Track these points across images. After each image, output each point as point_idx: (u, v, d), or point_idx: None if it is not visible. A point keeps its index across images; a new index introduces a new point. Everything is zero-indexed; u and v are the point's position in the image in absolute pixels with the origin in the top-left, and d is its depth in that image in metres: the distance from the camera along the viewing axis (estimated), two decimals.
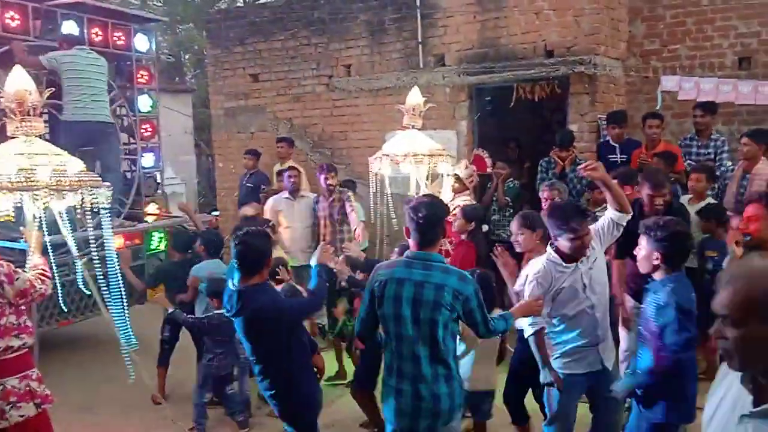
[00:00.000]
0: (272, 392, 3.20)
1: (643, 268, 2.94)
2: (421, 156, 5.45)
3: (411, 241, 2.90)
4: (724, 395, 1.52)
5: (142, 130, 6.86)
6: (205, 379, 4.37)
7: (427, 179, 5.47)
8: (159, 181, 7.25)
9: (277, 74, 8.43)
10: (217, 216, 9.33)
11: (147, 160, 6.94)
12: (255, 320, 3.09)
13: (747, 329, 1.35)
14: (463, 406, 3.36)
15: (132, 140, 6.82)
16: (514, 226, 3.78)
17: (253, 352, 3.17)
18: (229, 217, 8.45)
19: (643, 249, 2.90)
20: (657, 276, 2.87)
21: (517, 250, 3.79)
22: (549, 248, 3.24)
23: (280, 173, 6.66)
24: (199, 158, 16.02)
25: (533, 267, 3.32)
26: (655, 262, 2.85)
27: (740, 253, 2.99)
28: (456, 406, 2.84)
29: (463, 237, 4.89)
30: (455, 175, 5.58)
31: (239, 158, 8.01)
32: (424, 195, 4.64)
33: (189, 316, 4.42)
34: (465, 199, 5.50)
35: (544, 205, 5.01)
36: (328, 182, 6.16)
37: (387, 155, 5.51)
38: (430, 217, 2.81)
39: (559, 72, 6.58)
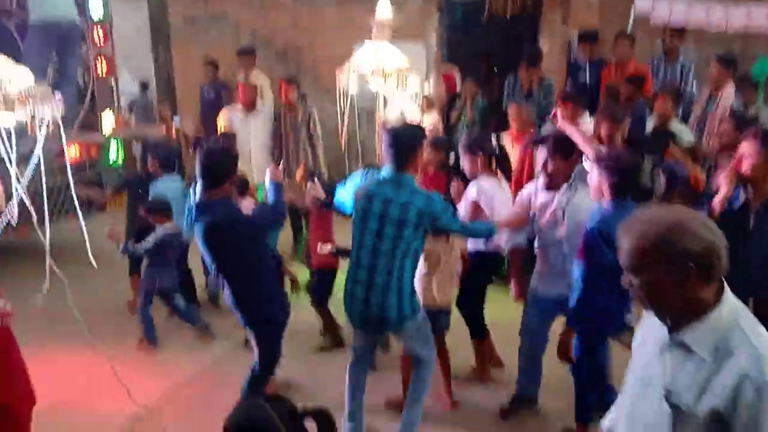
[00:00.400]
0: (235, 303, 3.25)
1: (594, 196, 3.00)
2: (389, 72, 5.35)
3: (387, 164, 3.01)
4: (652, 323, 1.64)
5: (95, 36, 6.48)
6: (147, 294, 4.47)
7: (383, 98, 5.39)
8: (114, 88, 6.93)
9: None
10: (177, 127, 9.06)
11: (100, 67, 6.59)
12: (214, 231, 3.09)
13: (645, 276, 1.49)
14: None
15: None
16: (459, 149, 3.82)
17: (214, 263, 3.19)
18: (190, 129, 8.20)
19: (594, 179, 2.98)
20: (603, 204, 2.93)
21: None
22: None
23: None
24: (156, 64, 15.36)
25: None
26: (604, 191, 2.92)
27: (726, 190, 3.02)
28: (404, 316, 3.03)
29: (431, 169, 4.80)
30: (424, 94, 5.48)
31: (200, 68, 7.69)
32: (402, 120, 4.60)
33: (138, 244, 4.42)
34: (433, 119, 5.44)
35: (512, 122, 4.97)
36: (289, 96, 6.01)
37: (355, 71, 5.39)
38: (407, 141, 2.97)
39: None
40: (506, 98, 6.08)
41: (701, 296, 1.47)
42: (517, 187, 4.62)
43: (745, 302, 1.54)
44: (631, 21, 6.04)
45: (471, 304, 3.83)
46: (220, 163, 3.14)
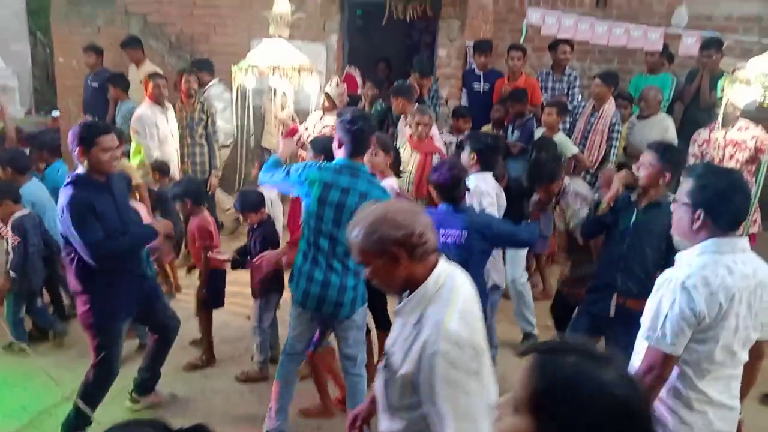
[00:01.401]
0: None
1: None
2: (288, 69, 5.25)
3: (340, 151, 3.09)
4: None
5: None
6: (17, 298, 4.28)
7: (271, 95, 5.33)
8: None
9: None
10: (55, 117, 8.45)
11: None
12: None
13: (369, 266, 1.77)
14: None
15: None
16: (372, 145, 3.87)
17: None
18: (71, 118, 7.63)
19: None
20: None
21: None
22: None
23: (152, 78, 5.71)
24: (35, 48, 14.19)
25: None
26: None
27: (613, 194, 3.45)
28: (359, 298, 3.15)
29: None
30: (326, 93, 5.43)
31: (82, 53, 7.19)
32: (356, 108, 4.58)
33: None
34: (333, 119, 5.39)
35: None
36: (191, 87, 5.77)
37: (254, 66, 5.24)
38: (364, 128, 3.05)
39: None
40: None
41: (416, 273, 1.73)
42: (418, 190, 4.75)
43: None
44: (523, 32, 6.30)
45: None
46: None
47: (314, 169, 3.10)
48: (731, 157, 4.84)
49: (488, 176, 3.83)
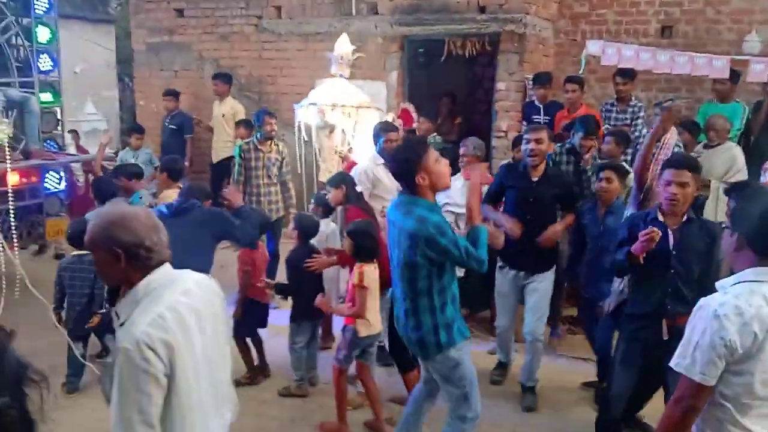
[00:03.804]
0: None
1: None
2: (348, 107, 5.43)
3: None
4: None
5: (39, 63, 6.43)
6: None
7: (331, 132, 5.47)
8: (59, 117, 6.87)
9: (204, 11, 8.06)
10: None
11: (46, 95, 6.55)
12: None
13: (95, 255, 1.90)
14: (358, 351, 3.65)
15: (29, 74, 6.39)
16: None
17: None
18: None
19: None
20: None
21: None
22: None
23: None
24: (123, 94, 15.25)
25: None
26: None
27: None
28: (428, 345, 2.92)
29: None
30: None
31: (162, 97, 7.71)
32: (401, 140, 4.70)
33: None
34: None
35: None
36: (273, 129, 5.84)
37: (314, 104, 5.46)
38: (398, 160, 2.92)
39: (489, 29, 6.60)
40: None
41: (133, 277, 1.86)
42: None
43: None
44: (583, 64, 6.25)
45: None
46: None
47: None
48: None
49: None
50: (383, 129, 4.96)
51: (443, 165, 2.90)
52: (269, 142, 5.83)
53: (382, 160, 4.73)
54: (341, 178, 4.32)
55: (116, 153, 10.50)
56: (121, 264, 1.83)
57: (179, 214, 3.40)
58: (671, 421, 2.00)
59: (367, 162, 4.97)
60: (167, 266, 1.92)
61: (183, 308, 1.87)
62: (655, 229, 3.00)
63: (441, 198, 3.66)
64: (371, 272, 3.55)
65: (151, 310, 1.81)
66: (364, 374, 3.78)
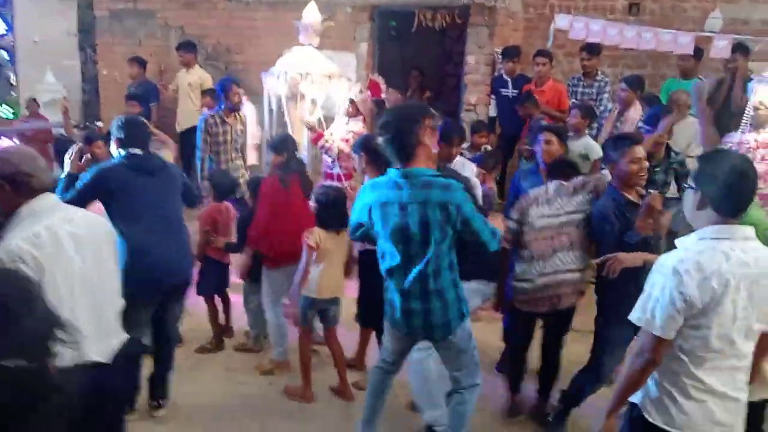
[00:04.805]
0: None
1: None
2: (318, 76, 5.37)
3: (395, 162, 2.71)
4: None
5: None
6: None
7: (299, 102, 5.38)
8: (13, 82, 6.67)
9: None
10: (100, 126, 8.79)
11: None
12: None
13: None
14: (313, 312, 3.68)
15: None
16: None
17: None
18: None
19: None
20: None
21: None
22: None
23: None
24: (86, 64, 14.79)
25: None
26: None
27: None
28: (448, 322, 2.76)
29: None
30: (350, 99, 5.52)
31: (125, 65, 7.52)
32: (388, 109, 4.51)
33: None
34: (359, 125, 5.49)
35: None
36: (240, 99, 5.71)
37: (284, 72, 5.37)
38: (401, 127, 2.63)
39: (459, 1, 6.59)
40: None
41: (19, 204, 2.12)
42: None
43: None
44: (550, 38, 6.29)
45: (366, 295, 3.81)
46: None
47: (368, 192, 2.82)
48: (763, 159, 4.73)
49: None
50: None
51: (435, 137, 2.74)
52: (234, 114, 5.72)
53: None
54: (283, 143, 4.19)
55: (77, 125, 10.27)
56: (7, 192, 2.10)
57: (154, 172, 3.31)
58: (630, 374, 2.08)
59: None
60: (50, 195, 2.20)
61: (62, 232, 2.11)
62: (653, 192, 3.02)
63: None
64: (325, 237, 3.58)
65: (28, 228, 2.06)
66: (327, 337, 3.83)
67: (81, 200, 3.06)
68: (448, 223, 2.60)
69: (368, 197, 2.77)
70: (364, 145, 3.65)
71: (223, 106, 5.67)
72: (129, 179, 3.19)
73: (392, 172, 2.69)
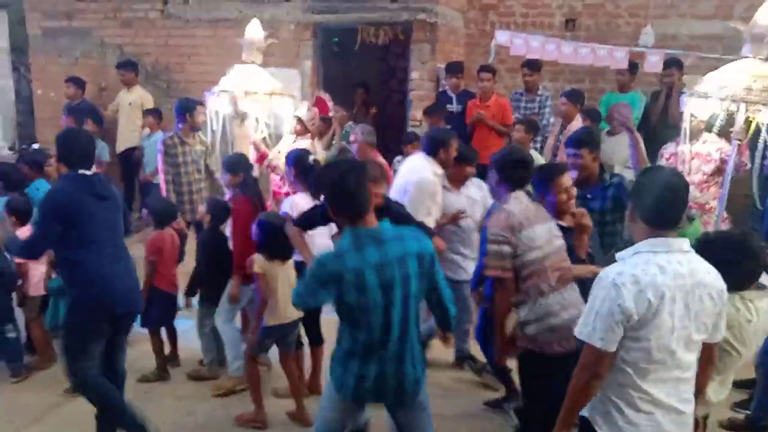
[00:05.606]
0: None
1: None
2: (261, 94, 5.30)
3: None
4: None
5: None
6: None
7: (243, 120, 5.31)
8: None
9: None
10: (35, 148, 8.45)
11: None
12: None
13: None
14: (271, 341, 3.65)
15: None
16: None
17: None
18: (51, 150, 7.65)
19: None
20: None
21: None
22: None
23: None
24: (19, 84, 14.25)
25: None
26: None
27: None
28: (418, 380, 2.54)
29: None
30: (296, 117, 5.48)
31: (61, 85, 7.27)
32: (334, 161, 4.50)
33: None
34: (307, 142, 5.44)
35: None
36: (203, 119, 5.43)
37: (225, 91, 5.28)
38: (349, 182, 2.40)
39: (401, 17, 6.66)
40: None
41: None
42: None
43: None
44: (492, 54, 6.41)
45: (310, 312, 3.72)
46: None
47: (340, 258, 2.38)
48: (698, 169, 4.90)
49: None
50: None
51: None
52: (192, 134, 5.48)
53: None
54: (238, 163, 4.10)
55: (12, 147, 9.86)
56: None
57: (107, 197, 3.17)
58: (576, 388, 2.10)
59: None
60: None
61: None
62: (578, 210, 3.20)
63: None
64: (269, 264, 3.51)
65: None
66: (284, 363, 3.75)
67: (46, 236, 2.98)
68: (425, 276, 2.44)
69: (336, 267, 2.35)
70: (297, 160, 3.78)
71: (181, 127, 5.47)
72: (85, 204, 3.04)
73: (356, 232, 2.39)
